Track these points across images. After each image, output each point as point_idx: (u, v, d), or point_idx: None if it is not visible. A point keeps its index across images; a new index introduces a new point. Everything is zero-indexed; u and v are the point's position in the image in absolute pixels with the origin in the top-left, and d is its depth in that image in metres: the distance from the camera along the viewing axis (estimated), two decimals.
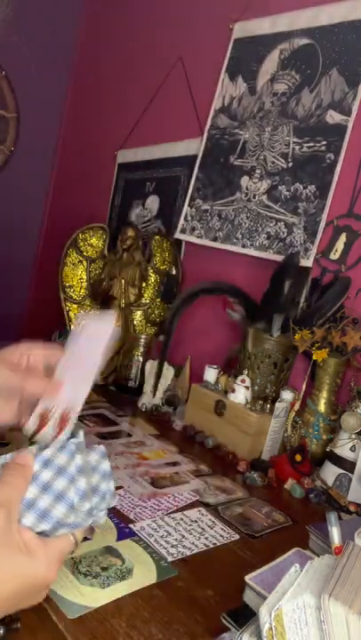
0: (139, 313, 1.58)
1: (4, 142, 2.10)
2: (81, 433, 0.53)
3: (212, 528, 0.77)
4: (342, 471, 0.95)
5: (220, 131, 1.51)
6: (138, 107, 1.86)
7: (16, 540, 0.42)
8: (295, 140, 1.33)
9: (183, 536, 0.73)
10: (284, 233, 1.31)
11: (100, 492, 0.51)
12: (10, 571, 0.41)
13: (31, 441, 0.52)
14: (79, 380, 0.55)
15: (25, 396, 0.55)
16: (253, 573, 0.56)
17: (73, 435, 0.53)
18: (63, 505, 0.47)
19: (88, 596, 0.57)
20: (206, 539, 0.74)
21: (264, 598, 0.48)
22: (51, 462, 0.49)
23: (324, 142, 1.27)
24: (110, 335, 0.57)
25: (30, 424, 0.53)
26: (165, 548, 0.69)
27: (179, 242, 1.60)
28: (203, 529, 0.76)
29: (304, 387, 1.12)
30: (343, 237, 1.22)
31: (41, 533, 0.46)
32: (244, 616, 0.51)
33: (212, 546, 0.72)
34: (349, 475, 0.95)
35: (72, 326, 0.57)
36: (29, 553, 0.43)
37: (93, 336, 0.57)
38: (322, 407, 1.07)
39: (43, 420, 0.53)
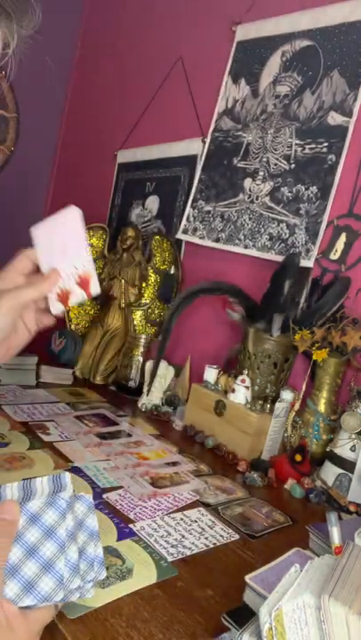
0: (139, 313, 1.58)
1: (3, 142, 2.10)
2: (68, 480, 0.48)
3: (212, 528, 0.77)
4: (342, 471, 0.96)
5: (224, 133, 1.51)
6: (138, 107, 1.86)
7: None
8: (297, 141, 1.33)
9: (183, 536, 0.73)
10: (286, 234, 1.32)
11: (87, 558, 0.46)
12: None
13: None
14: (71, 256, 0.60)
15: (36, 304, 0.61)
16: (253, 573, 0.56)
17: (61, 484, 0.47)
18: (51, 578, 0.42)
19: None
20: (206, 539, 0.74)
21: (264, 598, 0.48)
22: (38, 519, 0.44)
23: (326, 144, 1.27)
24: (78, 217, 0.61)
25: (55, 309, 0.60)
26: (165, 548, 0.69)
27: (179, 242, 1.60)
28: (203, 529, 0.76)
29: (304, 387, 1.12)
30: (343, 237, 1.22)
31: (24, 607, 0.42)
32: (244, 616, 0.51)
33: (212, 546, 0.72)
34: (349, 475, 0.95)
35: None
36: (11, 629, 0.41)
37: (59, 225, 0.61)
38: (322, 407, 1.07)
39: (63, 296, 0.60)
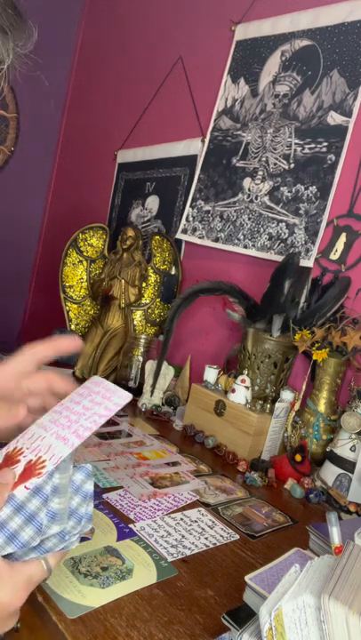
0: (139, 313, 1.58)
1: (3, 142, 2.10)
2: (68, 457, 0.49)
3: (212, 528, 0.77)
4: (342, 471, 0.95)
5: (223, 132, 1.51)
6: (138, 107, 1.86)
7: None
8: (297, 141, 1.33)
9: (183, 536, 0.73)
10: (285, 234, 1.32)
11: (78, 516, 0.48)
12: None
13: None
14: (66, 434, 0.49)
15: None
16: (253, 573, 0.56)
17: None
18: (32, 528, 0.44)
19: (88, 596, 0.57)
20: (206, 539, 0.74)
21: (264, 598, 0.48)
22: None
23: (326, 143, 1.27)
24: (116, 410, 0.52)
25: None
26: (165, 548, 0.69)
27: (179, 242, 1.60)
28: (203, 529, 0.76)
29: (304, 387, 1.12)
30: (343, 237, 1.22)
31: (10, 557, 0.43)
32: (244, 616, 0.51)
33: (211, 546, 0.72)
34: (349, 475, 0.95)
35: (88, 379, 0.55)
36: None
37: (99, 401, 0.53)
38: (322, 407, 1.07)
39: (7, 461, 0.49)
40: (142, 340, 1.43)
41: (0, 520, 0.44)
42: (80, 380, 1.48)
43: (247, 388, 1.12)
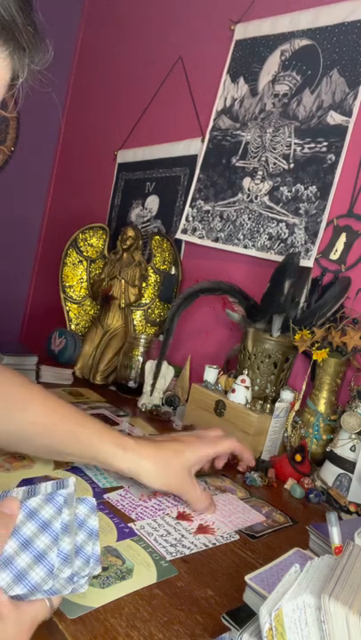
0: (139, 313, 1.58)
1: (4, 142, 2.10)
2: (71, 482, 0.48)
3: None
4: (342, 471, 0.95)
5: (222, 132, 1.51)
6: (138, 107, 1.86)
7: None
8: (296, 141, 1.33)
9: (183, 535, 0.73)
10: (285, 233, 1.32)
11: (84, 555, 0.47)
12: None
13: None
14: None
15: None
16: (253, 573, 0.56)
17: (62, 483, 0.48)
18: (42, 568, 0.43)
19: (88, 596, 0.57)
20: (206, 538, 0.74)
21: (264, 598, 0.48)
22: (35, 514, 0.45)
23: (325, 143, 1.27)
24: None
25: None
26: (165, 547, 0.69)
27: (179, 242, 1.60)
28: None
29: (304, 387, 1.12)
30: (343, 237, 1.22)
31: (15, 596, 0.42)
32: (244, 616, 0.51)
33: (211, 546, 0.72)
34: (349, 475, 0.95)
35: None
36: (0, 618, 0.41)
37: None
38: (322, 407, 1.07)
39: None
40: (142, 340, 1.43)
41: (6, 555, 0.43)
42: (80, 380, 1.48)
43: (247, 388, 1.12)
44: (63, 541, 0.44)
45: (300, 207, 1.30)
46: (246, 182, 1.43)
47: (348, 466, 0.95)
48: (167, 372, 1.33)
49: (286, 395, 1.12)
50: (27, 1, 0.45)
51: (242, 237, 1.40)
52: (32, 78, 0.51)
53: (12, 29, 0.44)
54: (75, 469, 0.87)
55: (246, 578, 0.55)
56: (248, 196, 1.42)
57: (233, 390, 1.13)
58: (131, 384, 1.40)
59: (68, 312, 1.66)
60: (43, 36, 0.49)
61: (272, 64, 1.42)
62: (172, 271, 1.58)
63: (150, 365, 1.33)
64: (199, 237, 1.51)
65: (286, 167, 1.34)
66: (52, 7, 2.09)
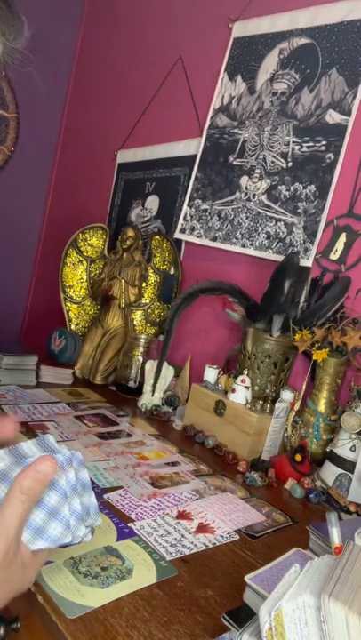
0: (139, 313, 1.58)
1: (4, 142, 2.10)
2: (55, 443, 0.51)
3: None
4: (342, 471, 0.95)
5: (220, 130, 1.51)
6: (138, 107, 1.86)
7: (17, 559, 0.47)
8: (295, 139, 1.33)
9: (183, 535, 0.73)
10: (283, 233, 1.31)
11: (84, 505, 0.49)
12: (6, 582, 0.46)
13: None
14: None
15: None
16: (253, 573, 0.56)
17: (48, 445, 0.51)
18: (58, 523, 0.47)
19: (88, 596, 0.57)
20: (206, 538, 0.74)
21: (264, 598, 0.48)
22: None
23: (324, 142, 1.27)
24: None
25: None
26: (165, 547, 0.69)
27: (179, 242, 1.60)
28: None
29: (304, 387, 1.12)
30: (343, 237, 1.22)
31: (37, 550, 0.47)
32: (244, 616, 0.51)
33: (211, 545, 0.72)
34: (349, 475, 0.95)
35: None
36: (25, 570, 0.47)
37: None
38: (322, 407, 1.07)
39: None
40: (142, 340, 1.43)
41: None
42: (80, 380, 1.48)
43: (247, 388, 1.12)
44: (74, 500, 0.48)
45: (298, 206, 1.30)
46: (244, 181, 1.43)
47: (348, 466, 0.95)
48: (167, 372, 1.33)
49: (286, 395, 1.12)
50: None
51: (240, 236, 1.40)
52: (9, 57, 0.51)
53: None
54: None
55: (246, 578, 0.55)
56: (246, 194, 1.42)
57: (233, 390, 1.13)
58: (131, 384, 1.40)
59: (68, 312, 1.66)
60: (17, 14, 0.50)
61: (270, 62, 1.42)
62: (172, 271, 1.58)
63: (150, 365, 1.33)
64: (197, 237, 1.50)
65: (285, 166, 1.34)
66: (52, 7, 2.09)
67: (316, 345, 1.06)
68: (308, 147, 1.30)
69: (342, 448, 0.96)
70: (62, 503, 0.48)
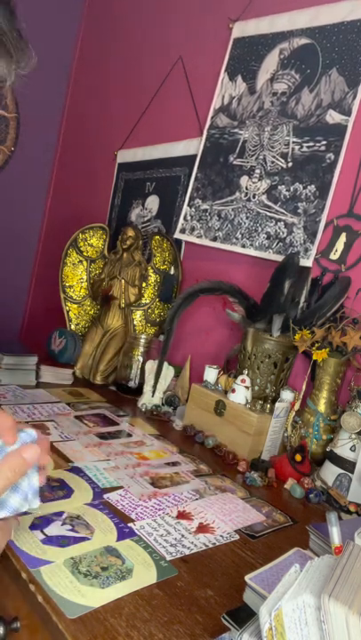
0: (139, 313, 1.58)
1: (4, 142, 2.10)
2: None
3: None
4: (342, 471, 0.95)
5: (220, 130, 1.51)
6: (138, 107, 1.86)
7: None
8: (295, 139, 1.33)
9: (183, 535, 0.73)
10: (283, 233, 1.31)
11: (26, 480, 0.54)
12: None
13: None
14: None
15: None
16: (253, 573, 0.56)
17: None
18: (18, 497, 0.53)
19: (88, 596, 0.57)
20: (206, 538, 0.74)
21: (264, 598, 0.48)
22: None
23: (324, 142, 1.27)
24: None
25: None
26: (165, 547, 0.69)
27: (179, 242, 1.60)
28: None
29: (304, 387, 1.12)
30: (343, 237, 1.22)
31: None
32: (244, 616, 0.51)
33: (211, 545, 0.72)
34: (349, 475, 0.95)
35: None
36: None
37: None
38: (322, 407, 1.07)
39: None
40: (142, 340, 1.43)
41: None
42: (80, 380, 1.48)
43: (247, 387, 1.12)
44: (33, 477, 0.54)
45: (298, 206, 1.30)
46: (244, 181, 1.43)
47: (348, 466, 0.95)
48: (167, 372, 1.33)
49: (286, 395, 1.12)
50: (11, 11, 0.50)
51: (240, 236, 1.40)
52: (19, 83, 0.55)
53: None
54: (75, 469, 0.87)
55: (246, 578, 0.55)
56: (246, 194, 1.42)
57: (233, 390, 1.13)
58: (131, 384, 1.40)
59: (68, 312, 1.66)
60: (27, 43, 0.54)
61: (271, 62, 1.42)
62: (172, 271, 1.58)
63: (151, 365, 1.33)
64: (197, 237, 1.50)
65: (285, 166, 1.34)
66: (52, 7, 2.09)
67: (316, 345, 1.06)
68: (308, 147, 1.30)
69: (342, 448, 0.96)
70: (23, 478, 0.53)
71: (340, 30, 1.27)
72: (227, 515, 0.81)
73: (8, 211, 2.17)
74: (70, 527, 0.69)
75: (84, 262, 1.66)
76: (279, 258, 1.28)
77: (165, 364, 1.32)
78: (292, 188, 1.32)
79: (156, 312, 1.59)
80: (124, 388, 1.41)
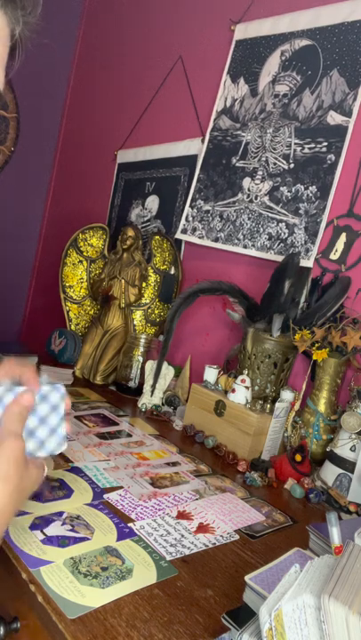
0: (139, 313, 1.58)
1: (4, 142, 2.10)
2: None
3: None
4: (342, 471, 0.95)
5: (222, 132, 1.51)
6: (138, 107, 1.86)
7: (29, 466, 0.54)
8: (296, 141, 1.33)
9: (183, 535, 0.73)
10: (285, 233, 1.32)
11: (49, 425, 0.56)
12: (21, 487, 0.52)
13: None
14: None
15: None
16: (253, 573, 0.56)
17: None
18: (54, 439, 0.56)
19: (88, 596, 0.57)
20: (206, 538, 0.74)
21: (264, 598, 0.48)
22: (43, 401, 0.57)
23: (325, 143, 1.27)
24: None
25: None
26: (165, 547, 0.69)
27: (179, 242, 1.60)
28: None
29: (304, 387, 1.12)
30: (343, 237, 1.22)
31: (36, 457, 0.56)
32: (244, 616, 0.51)
33: (211, 545, 0.72)
34: (349, 475, 0.95)
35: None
36: (32, 475, 0.54)
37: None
38: (322, 407, 1.07)
39: None
40: (142, 340, 1.43)
41: (29, 429, 0.55)
42: (80, 380, 1.48)
43: (247, 387, 1.12)
44: (57, 423, 0.57)
45: (300, 207, 1.30)
46: (246, 182, 1.43)
47: (348, 466, 0.95)
48: (167, 372, 1.33)
49: (286, 395, 1.12)
50: None
51: (242, 237, 1.40)
52: (28, 29, 0.53)
53: None
54: (75, 470, 0.87)
55: (246, 578, 0.55)
56: (248, 196, 1.42)
57: (233, 390, 1.13)
58: (131, 384, 1.40)
59: (68, 312, 1.66)
60: None
61: (272, 64, 1.42)
62: (172, 271, 1.58)
63: (150, 365, 1.33)
64: (199, 237, 1.51)
65: (286, 167, 1.34)
66: (52, 7, 2.09)
67: (316, 345, 1.07)
68: (309, 148, 1.30)
69: (342, 448, 0.97)
70: (59, 424, 0.56)
71: (340, 31, 1.27)
72: (227, 515, 0.81)
73: (8, 211, 2.17)
74: (70, 527, 0.69)
75: (84, 262, 1.66)
76: (280, 258, 1.28)
77: (165, 363, 1.32)
78: (293, 189, 1.32)
79: (156, 312, 1.59)
80: (124, 388, 1.41)
